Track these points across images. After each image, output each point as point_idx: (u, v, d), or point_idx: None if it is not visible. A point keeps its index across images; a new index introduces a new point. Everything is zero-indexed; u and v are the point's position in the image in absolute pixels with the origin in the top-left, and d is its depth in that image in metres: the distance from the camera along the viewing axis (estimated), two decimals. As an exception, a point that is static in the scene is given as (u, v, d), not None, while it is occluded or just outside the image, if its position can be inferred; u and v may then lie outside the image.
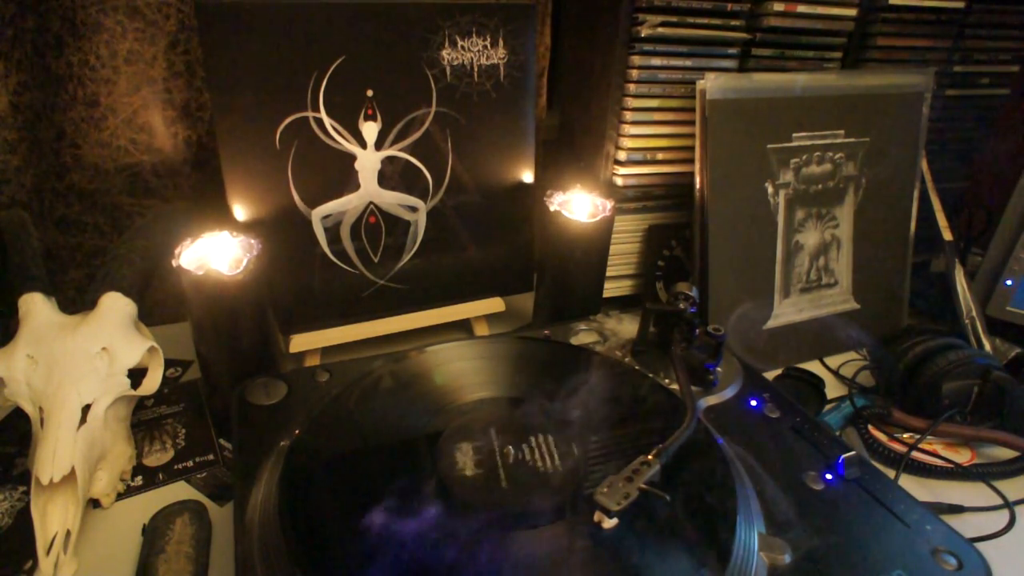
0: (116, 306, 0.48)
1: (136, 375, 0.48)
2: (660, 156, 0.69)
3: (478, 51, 0.61)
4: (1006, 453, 0.55)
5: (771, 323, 0.68)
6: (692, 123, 0.64)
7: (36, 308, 0.46)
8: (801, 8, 0.66)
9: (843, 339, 0.71)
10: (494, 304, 0.71)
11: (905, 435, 0.56)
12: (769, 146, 0.65)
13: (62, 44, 0.61)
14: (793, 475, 0.41)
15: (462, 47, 0.60)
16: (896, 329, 0.73)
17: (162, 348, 0.50)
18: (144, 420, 0.55)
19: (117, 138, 0.66)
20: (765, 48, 0.67)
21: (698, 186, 0.64)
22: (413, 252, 0.65)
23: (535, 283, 0.71)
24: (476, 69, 0.61)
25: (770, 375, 0.62)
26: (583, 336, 0.56)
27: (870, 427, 0.56)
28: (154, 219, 0.57)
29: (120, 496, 0.47)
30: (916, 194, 0.73)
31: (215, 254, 0.51)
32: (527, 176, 0.68)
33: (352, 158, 0.59)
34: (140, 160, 0.67)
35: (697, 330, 0.51)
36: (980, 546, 0.36)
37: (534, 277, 0.71)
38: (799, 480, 0.40)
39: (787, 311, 0.68)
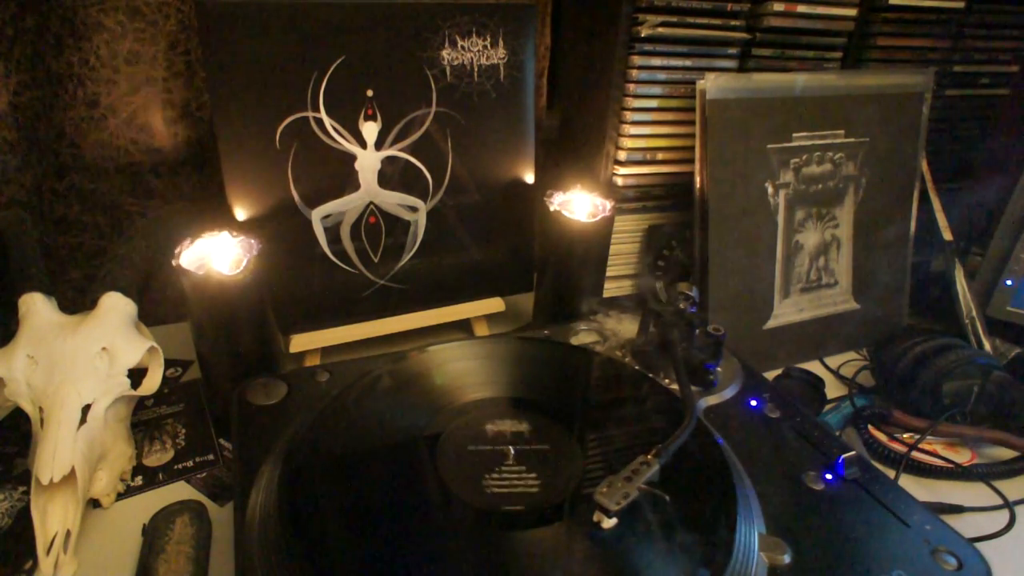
0: (116, 306, 0.48)
1: (136, 375, 0.48)
2: (660, 156, 0.69)
3: (478, 51, 0.61)
4: (1006, 453, 0.55)
5: (771, 323, 0.68)
6: (692, 123, 0.64)
7: (36, 308, 0.46)
8: (801, 8, 0.66)
9: (843, 339, 0.71)
10: (494, 304, 0.71)
11: (905, 435, 0.56)
12: (769, 146, 0.65)
13: (62, 44, 0.61)
14: (793, 475, 0.41)
15: (462, 47, 0.60)
16: (896, 329, 0.73)
17: (162, 348, 0.50)
18: (144, 420, 0.55)
19: (117, 138, 0.66)
20: (765, 48, 0.67)
21: (698, 186, 0.64)
22: (413, 252, 0.65)
23: (535, 283, 0.71)
24: (476, 69, 0.61)
25: (770, 375, 0.62)
26: (583, 336, 0.56)
27: (870, 427, 0.56)
28: (154, 219, 0.57)
29: (120, 496, 0.47)
30: (916, 194, 0.73)
31: (215, 254, 0.51)
32: (527, 176, 0.68)
33: (352, 158, 0.59)
34: (140, 160, 0.67)
35: (697, 330, 0.51)
36: (980, 546, 0.36)
37: (534, 277, 0.71)
38: (799, 480, 0.40)
39: (787, 311, 0.68)
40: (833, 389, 0.63)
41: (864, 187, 0.71)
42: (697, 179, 0.64)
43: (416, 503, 0.36)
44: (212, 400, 0.57)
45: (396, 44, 0.58)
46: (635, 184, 0.70)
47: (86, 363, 0.44)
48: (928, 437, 0.55)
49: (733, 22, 0.66)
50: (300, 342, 0.62)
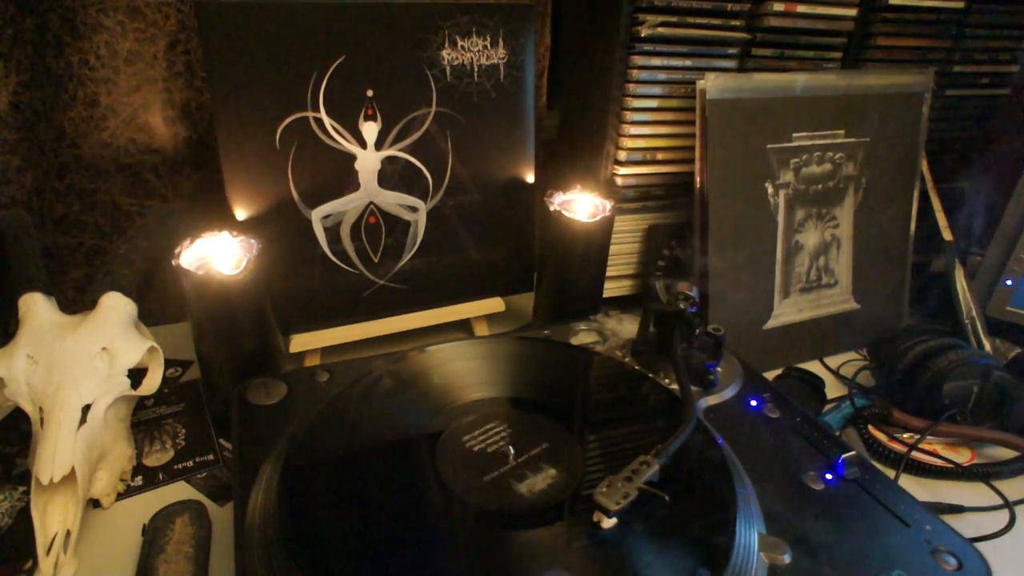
0: (116, 306, 0.48)
1: (136, 375, 0.48)
2: (660, 156, 0.69)
3: (478, 51, 0.61)
4: (1006, 453, 0.55)
5: (771, 323, 0.68)
6: (692, 123, 0.64)
7: (36, 308, 0.46)
8: (801, 8, 0.66)
9: (843, 339, 0.71)
10: (494, 304, 0.71)
11: (905, 435, 0.56)
12: (769, 146, 0.65)
13: (62, 44, 0.61)
14: (793, 475, 0.41)
15: (462, 47, 0.60)
16: (896, 329, 0.73)
17: (162, 348, 0.50)
18: (144, 420, 0.55)
19: (117, 138, 0.66)
20: (765, 48, 0.67)
21: (698, 186, 0.64)
22: (413, 252, 0.65)
23: (535, 283, 0.71)
24: (476, 69, 0.61)
25: (770, 375, 0.62)
26: (583, 336, 0.56)
27: (870, 427, 0.56)
28: (154, 219, 0.57)
29: (120, 496, 0.47)
30: (916, 194, 0.73)
31: (215, 254, 0.51)
32: (527, 176, 0.68)
33: (352, 158, 0.59)
34: (140, 160, 0.67)
35: (697, 330, 0.51)
36: (980, 546, 0.36)
37: (534, 277, 0.71)
38: (799, 480, 0.40)
39: (787, 311, 0.68)
40: (833, 389, 0.63)
41: (864, 187, 0.71)
42: (697, 179, 0.64)
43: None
44: (212, 400, 0.57)
45: (396, 44, 0.58)
46: (635, 184, 0.70)
47: (86, 363, 0.44)
48: (928, 437, 0.55)
49: (733, 22, 0.65)
50: (300, 342, 0.62)
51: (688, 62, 0.65)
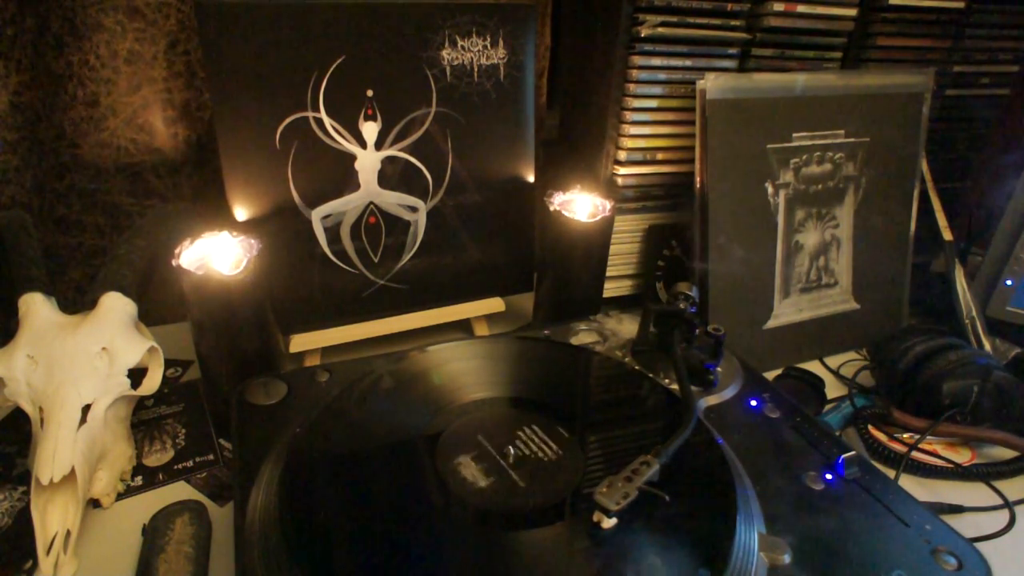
0: (116, 306, 0.48)
1: (136, 375, 0.48)
2: (660, 156, 0.69)
3: (478, 51, 0.61)
4: (1006, 453, 0.55)
5: (771, 323, 0.68)
6: (692, 123, 0.64)
7: (36, 308, 0.46)
8: (801, 8, 0.66)
9: (843, 339, 0.71)
10: (494, 304, 0.71)
11: (905, 435, 0.56)
12: (769, 146, 0.65)
13: (62, 44, 0.61)
14: (793, 475, 0.41)
15: (462, 47, 0.60)
16: (896, 329, 0.73)
17: (162, 348, 0.50)
18: (144, 420, 0.55)
19: (117, 138, 0.66)
20: (765, 48, 0.67)
21: (698, 186, 0.64)
22: (413, 252, 0.65)
23: (535, 283, 0.71)
24: (476, 69, 0.61)
25: (770, 375, 0.62)
26: (583, 336, 0.56)
27: (870, 427, 0.56)
28: (154, 219, 0.57)
29: (120, 496, 0.47)
30: (916, 194, 0.73)
31: (215, 254, 0.51)
32: (527, 176, 0.68)
33: (352, 158, 0.59)
34: (140, 160, 0.67)
35: (697, 330, 0.51)
36: (980, 546, 0.36)
37: (534, 277, 0.71)
38: (799, 480, 0.40)
39: (787, 311, 0.68)
40: (833, 389, 0.63)
41: (864, 187, 0.71)
42: (697, 179, 0.64)
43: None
44: (212, 400, 0.57)
45: (396, 44, 0.58)
46: (635, 184, 0.70)
47: (86, 363, 0.44)
48: (928, 437, 0.55)
49: (733, 22, 0.65)
50: (300, 342, 0.62)
51: (688, 62, 0.65)
